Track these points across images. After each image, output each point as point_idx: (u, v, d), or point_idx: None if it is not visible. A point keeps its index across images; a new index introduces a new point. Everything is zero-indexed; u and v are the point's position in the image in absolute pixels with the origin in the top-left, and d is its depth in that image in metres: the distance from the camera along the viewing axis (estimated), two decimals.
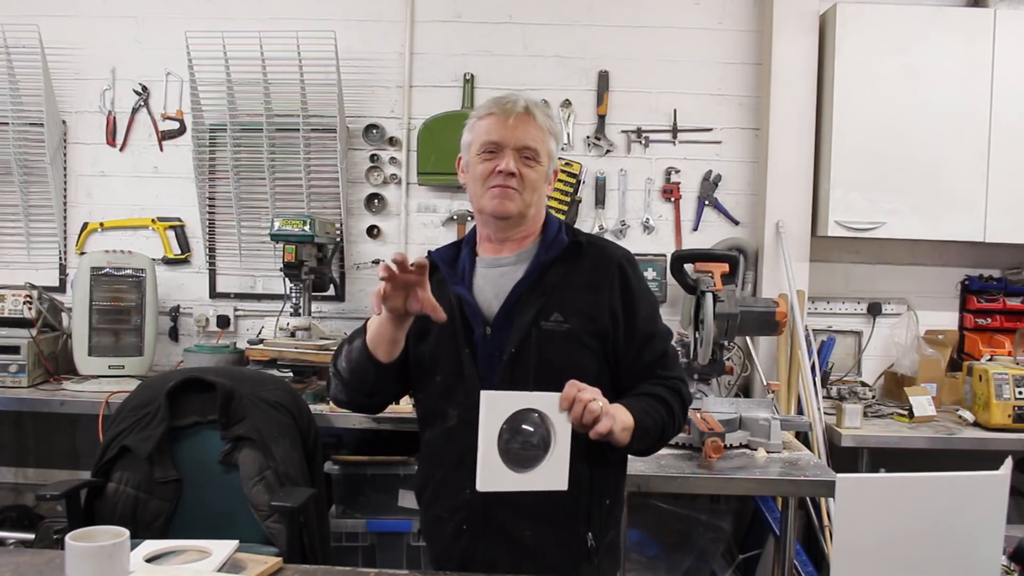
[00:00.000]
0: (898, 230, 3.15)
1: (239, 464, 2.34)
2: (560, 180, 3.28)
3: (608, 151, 3.42)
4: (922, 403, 2.96)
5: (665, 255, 3.34)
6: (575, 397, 1.39)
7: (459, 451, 1.54)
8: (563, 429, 1.38)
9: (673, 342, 1.76)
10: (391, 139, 3.45)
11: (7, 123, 3.33)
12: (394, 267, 1.39)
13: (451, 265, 1.70)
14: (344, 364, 1.62)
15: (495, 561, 1.57)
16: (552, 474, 1.37)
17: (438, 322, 1.48)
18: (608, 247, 1.70)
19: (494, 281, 1.66)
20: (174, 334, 3.46)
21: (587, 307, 1.61)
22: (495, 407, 1.35)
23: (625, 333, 1.62)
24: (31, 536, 3.04)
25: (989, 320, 3.40)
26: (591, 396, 1.40)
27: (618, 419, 1.45)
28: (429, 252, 1.71)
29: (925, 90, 3.10)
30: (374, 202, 3.46)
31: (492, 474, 1.34)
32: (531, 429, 1.37)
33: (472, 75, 3.41)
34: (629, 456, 1.74)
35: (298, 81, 3.27)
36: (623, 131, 3.43)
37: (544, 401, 1.38)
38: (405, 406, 2.72)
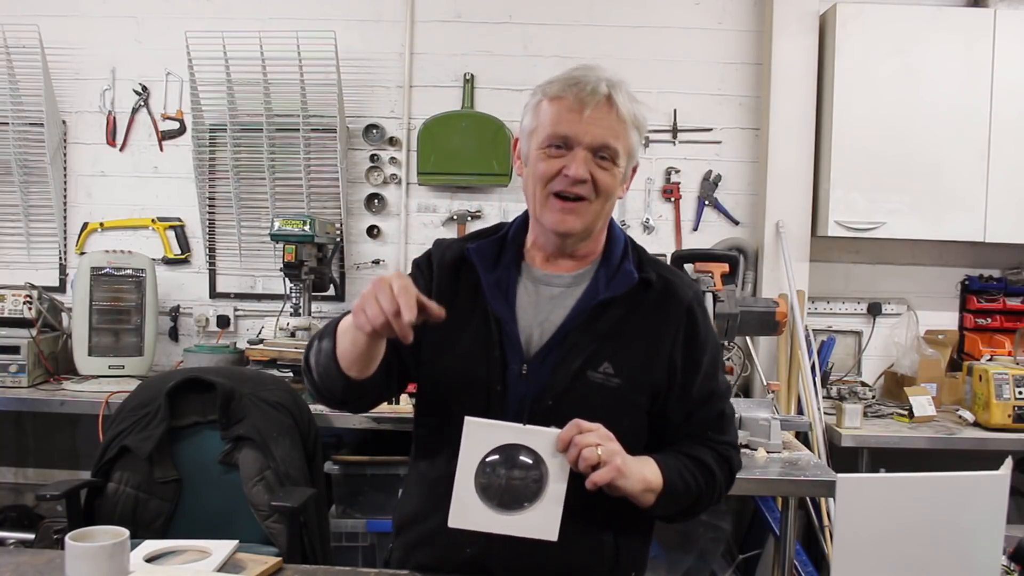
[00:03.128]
0: (898, 230, 3.15)
1: (239, 464, 2.34)
2: None
3: None
4: (922, 403, 2.96)
5: (665, 255, 3.33)
6: (571, 439, 1.20)
7: None
8: (558, 473, 1.22)
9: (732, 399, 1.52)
10: (391, 139, 3.45)
11: (7, 123, 3.32)
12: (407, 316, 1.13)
13: (491, 268, 1.40)
14: (313, 363, 1.36)
15: None
16: (540, 522, 1.21)
17: (436, 319, 1.19)
18: (678, 285, 1.42)
19: (540, 305, 1.39)
20: (174, 334, 3.46)
21: (644, 360, 1.36)
22: (476, 437, 1.22)
23: (681, 389, 1.39)
24: (31, 536, 3.03)
25: (989, 320, 3.40)
26: (593, 441, 1.21)
27: (633, 475, 1.25)
28: (468, 248, 1.42)
29: (925, 90, 3.10)
30: (374, 202, 3.46)
31: (464, 510, 1.22)
32: (521, 467, 1.22)
33: (472, 75, 3.41)
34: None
35: (298, 81, 3.27)
36: None
37: (538, 438, 1.22)
38: (405, 406, 2.73)
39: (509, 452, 1.22)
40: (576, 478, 1.23)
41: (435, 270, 1.44)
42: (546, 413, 1.32)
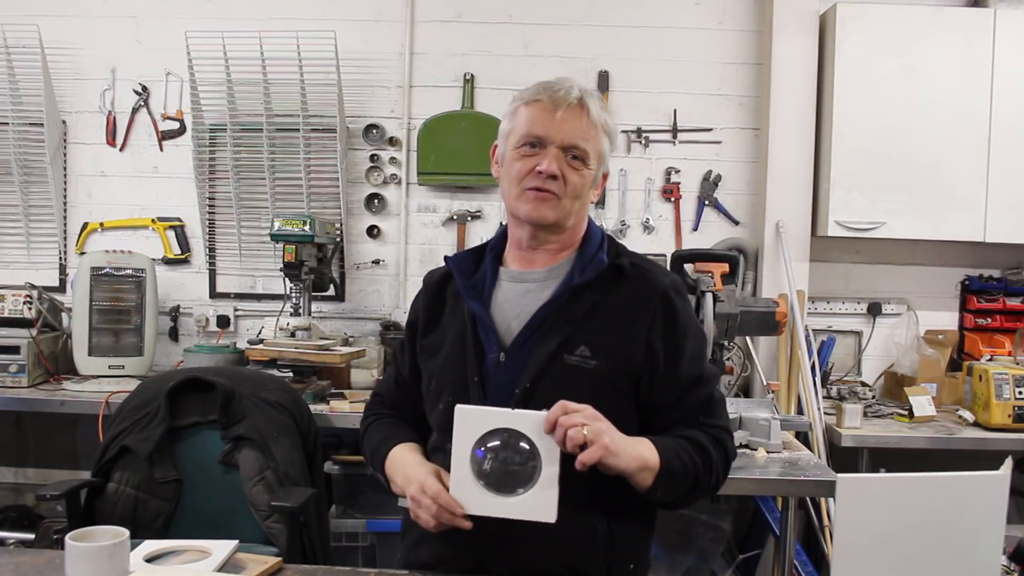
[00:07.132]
0: (898, 230, 3.15)
1: (239, 464, 2.34)
2: None
3: None
4: (922, 403, 2.96)
5: (665, 255, 3.33)
6: (557, 420, 1.22)
7: None
8: (549, 455, 1.23)
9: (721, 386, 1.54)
10: (391, 139, 3.45)
11: (7, 123, 3.32)
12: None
13: (469, 275, 1.49)
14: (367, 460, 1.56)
15: None
16: (538, 504, 1.23)
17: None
18: (653, 272, 1.46)
19: (516, 300, 1.44)
20: (174, 334, 3.46)
21: (620, 343, 1.38)
22: (466, 424, 1.26)
23: (665, 375, 1.40)
24: (31, 536, 3.03)
25: (989, 320, 3.40)
26: (577, 421, 1.21)
27: (624, 453, 1.25)
28: (446, 257, 1.54)
29: (925, 90, 3.10)
30: (374, 202, 3.46)
31: (463, 495, 1.26)
32: (514, 450, 1.25)
33: (472, 75, 3.41)
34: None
35: (298, 81, 3.27)
36: (623, 131, 3.42)
37: (526, 421, 1.25)
38: None
39: (501, 436, 1.25)
40: (569, 460, 1.24)
41: (424, 289, 1.57)
42: (525, 397, 1.36)
